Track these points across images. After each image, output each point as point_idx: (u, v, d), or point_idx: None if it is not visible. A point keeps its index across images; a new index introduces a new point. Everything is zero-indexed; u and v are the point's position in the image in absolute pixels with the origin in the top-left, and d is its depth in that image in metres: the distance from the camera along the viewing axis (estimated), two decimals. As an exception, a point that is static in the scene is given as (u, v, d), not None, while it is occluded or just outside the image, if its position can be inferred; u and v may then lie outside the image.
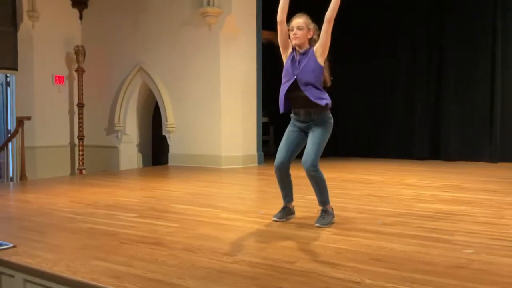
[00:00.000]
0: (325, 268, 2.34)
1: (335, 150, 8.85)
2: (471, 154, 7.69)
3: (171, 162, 7.72)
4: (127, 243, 2.82)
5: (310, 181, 3.27)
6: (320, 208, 3.34)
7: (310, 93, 3.14)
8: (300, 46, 3.22)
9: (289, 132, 3.34)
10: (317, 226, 3.22)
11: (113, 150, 8.16)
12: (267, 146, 10.57)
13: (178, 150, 7.66)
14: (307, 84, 3.15)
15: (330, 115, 3.29)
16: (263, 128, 10.18)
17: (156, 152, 8.59)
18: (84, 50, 8.13)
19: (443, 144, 7.93)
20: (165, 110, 7.71)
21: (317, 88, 3.18)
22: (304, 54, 3.21)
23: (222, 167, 7.18)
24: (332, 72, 3.35)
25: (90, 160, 8.14)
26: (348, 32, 7.69)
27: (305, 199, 4.31)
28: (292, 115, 3.35)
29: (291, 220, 3.49)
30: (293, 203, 3.53)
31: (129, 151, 8.21)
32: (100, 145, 8.28)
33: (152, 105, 8.29)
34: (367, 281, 2.16)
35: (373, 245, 2.79)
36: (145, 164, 8.44)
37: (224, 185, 5.46)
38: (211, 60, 7.29)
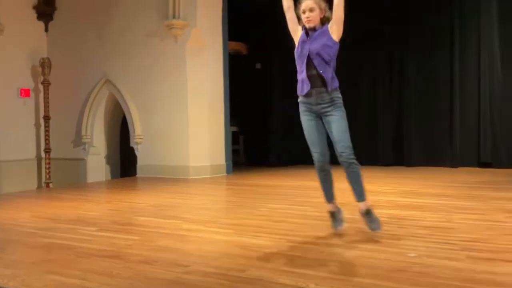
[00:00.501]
0: (273, 274, 2.45)
1: (302, 158, 9.04)
2: (433, 160, 7.96)
3: (139, 173, 7.73)
4: (84, 257, 2.86)
5: (348, 171, 3.11)
6: (361, 207, 3.16)
7: (326, 73, 3.04)
8: (313, 28, 3.12)
9: (309, 122, 3.17)
10: (374, 231, 3.09)
11: (80, 162, 8.12)
12: (237, 156, 10.67)
13: (146, 161, 7.68)
14: (321, 60, 3.04)
15: (340, 94, 3.16)
16: (233, 138, 10.28)
17: (125, 163, 8.58)
18: (50, 62, 8.07)
19: (406, 151, 8.19)
20: (132, 121, 7.73)
21: (331, 67, 3.08)
22: (317, 30, 3.11)
23: (190, 177, 7.24)
24: None
25: (57, 173, 8.06)
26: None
27: (267, 208, 4.43)
28: (302, 99, 3.18)
29: (249, 229, 3.57)
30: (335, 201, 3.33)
31: (97, 163, 8.18)
32: (67, 158, 8.22)
33: (120, 116, 8.29)
34: (312, 285, 2.27)
35: (324, 251, 2.91)
36: (113, 176, 8.41)
37: (190, 195, 5.52)
38: (178, 71, 7.37)
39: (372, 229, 3.15)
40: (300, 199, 4.93)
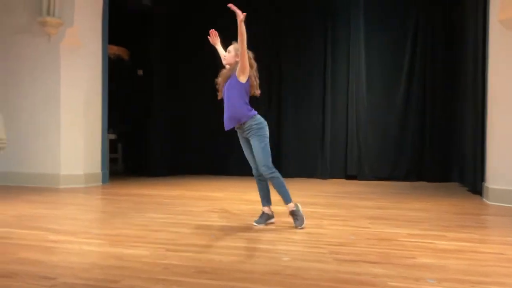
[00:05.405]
0: (149, 284, 2.37)
1: (184, 168, 8.98)
2: (306, 172, 8.51)
3: (2, 182, 6.96)
4: None
5: (271, 183, 3.81)
6: (288, 210, 3.84)
7: (234, 111, 3.75)
8: (229, 66, 3.83)
9: (241, 143, 3.95)
10: (299, 229, 3.73)
11: None
12: (116, 164, 10.19)
13: (11, 168, 6.96)
14: (230, 101, 3.75)
15: (258, 120, 3.79)
16: (111, 146, 9.81)
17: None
18: None
19: (283, 163, 8.62)
20: (-6, 124, 6.95)
21: (240, 103, 3.73)
22: (231, 75, 3.76)
23: (61, 186, 6.73)
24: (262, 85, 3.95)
25: None
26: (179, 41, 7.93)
27: (145, 217, 4.31)
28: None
29: (125, 239, 3.43)
30: (271, 207, 4.00)
31: None
32: None
33: (-20, 118, 7.40)
34: (188, 293, 2.25)
35: (202, 258, 2.90)
36: (-31, 184, 7.45)
37: (58, 205, 5.10)
38: (51, 72, 6.85)
39: (295, 226, 3.80)
40: (179, 209, 4.86)
